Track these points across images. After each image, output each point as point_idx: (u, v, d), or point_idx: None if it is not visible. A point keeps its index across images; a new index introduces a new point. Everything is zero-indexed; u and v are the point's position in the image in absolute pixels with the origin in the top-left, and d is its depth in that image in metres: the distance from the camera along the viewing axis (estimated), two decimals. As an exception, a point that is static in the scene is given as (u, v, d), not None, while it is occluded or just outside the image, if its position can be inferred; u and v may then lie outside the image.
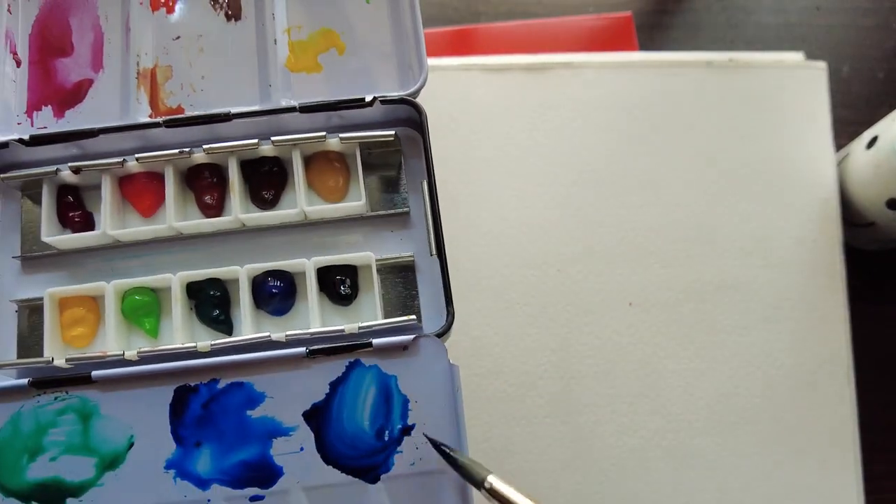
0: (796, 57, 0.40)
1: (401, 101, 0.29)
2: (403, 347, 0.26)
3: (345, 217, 0.29)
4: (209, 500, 0.25)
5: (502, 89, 0.39)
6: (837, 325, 0.37)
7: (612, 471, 0.35)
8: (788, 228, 0.38)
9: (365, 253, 0.28)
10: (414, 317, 0.27)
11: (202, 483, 0.25)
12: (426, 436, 0.26)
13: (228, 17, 0.31)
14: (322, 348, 0.26)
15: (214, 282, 0.28)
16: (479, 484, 0.24)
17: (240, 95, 0.30)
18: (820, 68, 0.40)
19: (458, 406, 0.26)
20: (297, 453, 0.26)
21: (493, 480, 0.24)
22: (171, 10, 0.31)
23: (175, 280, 0.27)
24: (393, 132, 0.29)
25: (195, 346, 0.26)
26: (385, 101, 0.29)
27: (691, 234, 0.38)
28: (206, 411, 0.26)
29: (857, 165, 0.37)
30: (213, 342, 0.26)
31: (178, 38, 0.31)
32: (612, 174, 0.38)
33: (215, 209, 0.29)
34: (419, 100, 0.29)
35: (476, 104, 0.39)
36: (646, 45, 0.42)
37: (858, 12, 0.43)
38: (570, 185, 0.38)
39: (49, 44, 0.31)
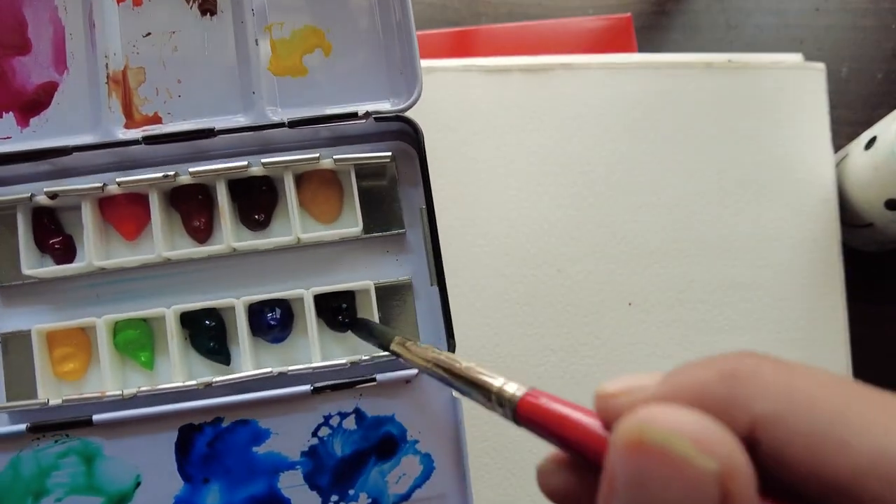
0: (795, 58, 0.41)
1: (395, 118, 0.28)
2: (406, 381, 0.27)
3: (339, 240, 0.29)
4: None
5: (502, 90, 0.39)
6: (837, 325, 0.39)
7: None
8: (788, 229, 0.40)
9: (363, 282, 0.28)
10: (416, 349, 0.27)
11: None
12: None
13: (203, 12, 0.29)
14: (327, 385, 0.27)
15: (209, 311, 0.29)
16: (386, 346, 0.24)
17: (221, 102, 0.29)
18: (819, 69, 0.41)
19: (461, 440, 0.27)
20: (303, 486, 0.27)
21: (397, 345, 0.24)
22: (138, 2, 0.29)
23: (170, 314, 0.28)
24: (390, 154, 0.29)
25: (196, 385, 0.27)
26: (379, 119, 0.28)
27: (691, 234, 0.39)
28: (212, 449, 0.27)
29: (855, 166, 0.38)
30: (214, 379, 0.27)
31: (149, 34, 0.29)
32: (611, 175, 0.39)
33: (205, 232, 0.29)
34: (413, 112, 0.28)
35: (476, 105, 0.39)
36: (645, 47, 0.43)
37: (857, 13, 0.44)
38: (570, 186, 0.39)
39: (2, 39, 0.29)
